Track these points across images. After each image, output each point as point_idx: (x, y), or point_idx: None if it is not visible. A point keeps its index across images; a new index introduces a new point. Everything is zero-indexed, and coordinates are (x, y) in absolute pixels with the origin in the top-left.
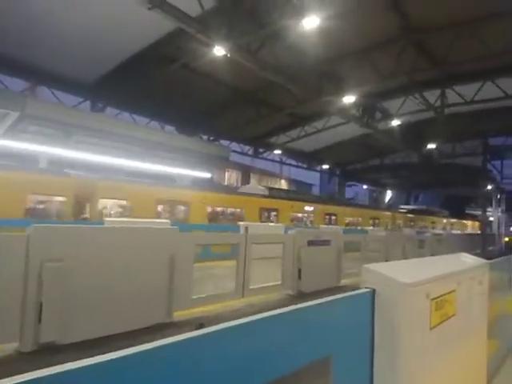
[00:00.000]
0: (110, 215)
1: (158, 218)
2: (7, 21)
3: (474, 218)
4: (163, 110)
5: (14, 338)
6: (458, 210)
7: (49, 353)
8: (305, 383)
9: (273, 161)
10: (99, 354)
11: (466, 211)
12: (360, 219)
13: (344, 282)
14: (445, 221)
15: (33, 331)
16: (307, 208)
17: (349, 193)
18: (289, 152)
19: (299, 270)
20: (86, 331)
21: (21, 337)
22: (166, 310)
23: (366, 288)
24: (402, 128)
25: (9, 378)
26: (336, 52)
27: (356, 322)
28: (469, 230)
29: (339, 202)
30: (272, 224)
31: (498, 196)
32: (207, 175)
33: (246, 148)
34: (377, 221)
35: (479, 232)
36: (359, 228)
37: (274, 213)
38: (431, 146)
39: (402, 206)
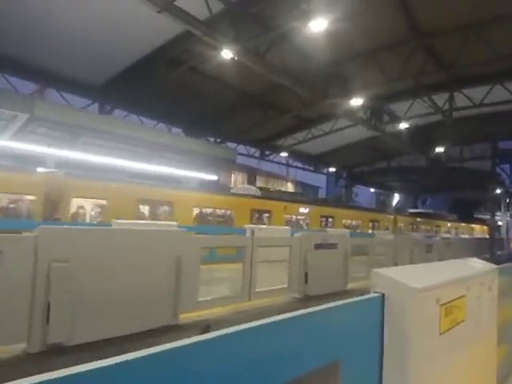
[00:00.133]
0: (86, 216)
1: (140, 219)
2: (17, 23)
3: (482, 222)
4: (171, 113)
5: (22, 338)
6: (466, 214)
7: (56, 354)
8: None
9: (279, 163)
10: (106, 356)
11: (475, 215)
12: (359, 222)
13: (351, 285)
14: (449, 224)
15: (40, 332)
16: (302, 210)
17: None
18: (295, 154)
19: (306, 274)
20: (92, 332)
21: (28, 337)
22: (172, 312)
23: (375, 292)
24: (409, 131)
25: (19, 381)
26: (343, 54)
27: (365, 327)
28: (477, 235)
29: (336, 203)
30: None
31: (507, 200)
32: (214, 177)
33: (253, 150)
34: (376, 224)
35: (488, 236)
36: (358, 231)
37: (266, 214)
38: (439, 149)
39: (410, 210)
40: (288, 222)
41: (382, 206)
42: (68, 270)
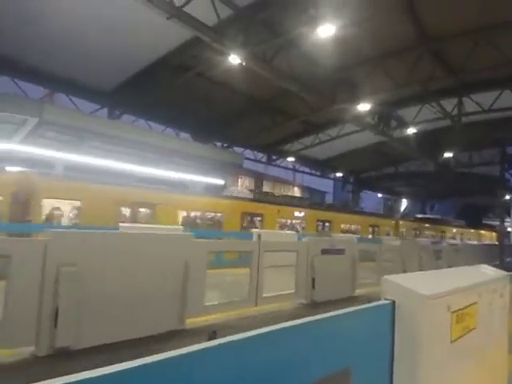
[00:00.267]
0: (59, 217)
1: (118, 222)
2: (28, 30)
3: (491, 228)
4: (179, 118)
5: (31, 342)
6: (474, 220)
7: (63, 358)
8: None
9: (286, 168)
10: (112, 361)
11: (484, 221)
12: (358, 227)
13: (358, 292)
14: (455, 230)
15: (48, 336)
16: (297, 213)
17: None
18: (302, 159)
19: (313, 279)
20: (99, 337)
21: (37, 341)
22: (178, 316)
23: (385, 300)
24: (418, 136)
25: None
26: (351, 60)
27: (376, 334)
28: (485, 241)
29: (334, 207)
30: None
31: None
32: (221, 182)
33: (260, 155)
34: (377, 229)
35: (497, 243)
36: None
37: (258, 218)
38: (448, 154)
39: (418, 216)
40: (282, 227)
41: (390, 211)
42: (76, 275)
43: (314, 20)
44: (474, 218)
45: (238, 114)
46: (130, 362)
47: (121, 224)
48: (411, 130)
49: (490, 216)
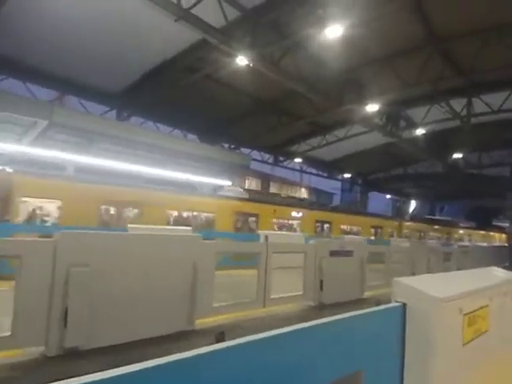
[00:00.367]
0: (36, 217)
1: (102, 222)
2: (38, 34)
3: (501, 230)
4: (186, 119)
5: (40, 342)
6: (484, 222)
7: (73, 358)
8: None
9: (293, 169)
10: (121, 361)
11: (494, 223)
12: (360, 228)
13: (367, 294)
14: (461, 232)
15: (58, 336)
16: (294, 214)
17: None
18: (309, 160)
19: (321, 281)
20: (108, 337)
21: (46, 341)
22: (187, 317)
23: (396, 302)
24: (426, 137)
25: None
26: (359, 60)
27: (387, 337)
28: (495, 243)
29: (334, 208)
30: (294, 233)
31: None
32: (228, 183)
33: (267, 156)
34: (379, 230)
35: (506, 244)
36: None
37: (253, 218)
38: (457, 155)
39: (424, 217)
40: (278, 228)
41: (398, 213)
42: (86, 275)
43: (322, 20)
44: (483, 220)
45: (244, 115)
46: (137, 365)
47: (129, 225)
48: (420, 131)
49: (500, 218)
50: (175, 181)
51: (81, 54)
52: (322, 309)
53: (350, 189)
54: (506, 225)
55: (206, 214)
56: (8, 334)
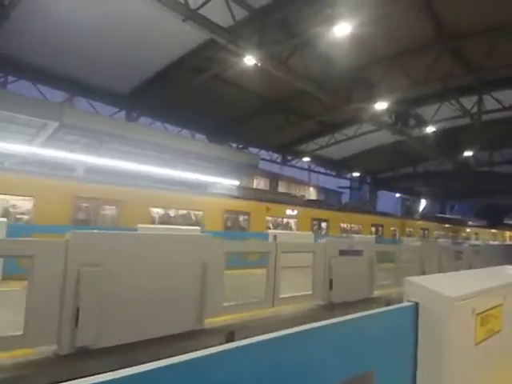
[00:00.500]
0: (10, 215)
1: (75, 220)
2: (47, 36)
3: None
4: (194, 119)
5: (53, 340)
6: (495, 220)
7: (84, 357)
8: None
9: (301, 168)
10: (132, 360)
11: (505, 221)
12: (360, 226)
13: (377, 293)
14: (469, 230)
15: (70, 335)
16: (289, 212)
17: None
18: (318, 160)
19: (330, 280)
20: (119, 336)
21: (58, 340)
22: (197, 316)
23: (408, 301)
24: (436, 135)
25: None
26: (367, 59)
27: (399, 336)
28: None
29: (332, 205)
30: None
31: None
32: (236, 183)
33: (275, 156)
34: (380, 229)
35: None
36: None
37: (244, 217)
38: (468, 153)
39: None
40: (276, 227)
41: (408, 211)
42: (97, 275)
43: (331, 19)
44: (494, 218)
45: (252, 114)
46: (150, 364)
47: (139, 225)
48: (430, 129)
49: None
50: (184, 181)
51: (89, 56)
52: (331, 308)
53: (359, 188)
54: None
55: (193, 213)
56: (20, 333)
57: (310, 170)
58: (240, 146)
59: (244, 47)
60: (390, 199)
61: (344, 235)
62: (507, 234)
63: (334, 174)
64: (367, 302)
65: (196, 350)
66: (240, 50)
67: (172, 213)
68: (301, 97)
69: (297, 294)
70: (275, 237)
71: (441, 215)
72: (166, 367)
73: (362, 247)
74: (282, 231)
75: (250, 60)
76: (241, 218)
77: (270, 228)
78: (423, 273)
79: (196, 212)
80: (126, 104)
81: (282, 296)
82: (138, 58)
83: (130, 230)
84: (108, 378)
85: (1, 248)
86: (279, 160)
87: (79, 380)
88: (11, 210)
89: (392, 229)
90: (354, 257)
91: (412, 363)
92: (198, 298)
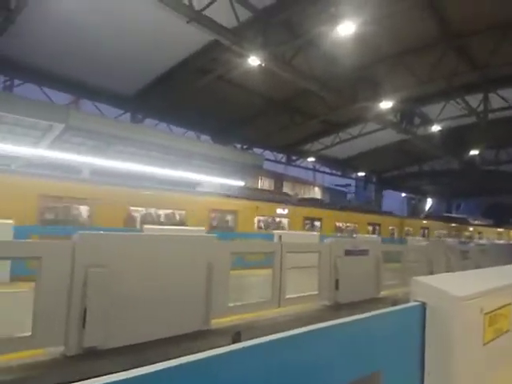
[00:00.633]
0: None
1: (41, 221)
2: (53, 38)
3: None
4: (199, 120)
5: (60, 341)
6: (502, 219)
7: (92, 358)
8: None
9: (306, 168)
10: (139, 361)
11: None
12: (356, 226)
13: (383, 293)
14: (471, 229)
15: (77, 336)
16: (280, 211)
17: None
18: (322, 159)
19: (336, 281)
20: (126, 337)
21: (66, 341)
22: (203, 317)
23: (415, 301)
24: (442, 133)
25: None
26: (371, 58)
27: (406, 337)
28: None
29: (325, 204)
30: (308, 233)
31: None
32: (241, 183)
33: (279, 156)
34: (378, 227)
35: None
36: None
37: (231, 216)
38: (474, 152)
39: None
40: (268, 226)
41: (414, 211)
42: (104, 276)
43: (335, 18)
44: (501, 217)
45: (257, 115)
46: (159, 364)
47: (145, 226)
48: (436, 128)
49: None
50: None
51: (94, 58)
52: (338, 308)
53: (365, 187)
54: None
55: (177, 212)
56: (28, 334)
57: (314, 169)
58: (244, 147)
59: (248, 48)
60: (395, 199)
61: (338, 235)
62: None
63: (339, 173)
64: (374, 302)
65: (204, 351)
66: (244, 50)
67: (154, 212)
68: (305, 96)
69: (303, 294)
70: (280, 237)
71: (447, 214)
72: (176, 367)
73: (367, 247)
74: (286, 231)
75: (254, 61)
76: (228, 218)
77: (261, 228)
78: (431, 273)
79: (179, 211)
80: (131, 106)
81: (288, 296)
82: (143, 60)
83: (105, 230)
84: (120, 378)
85: (8, 249)
86: (284, 160)
87: (91, 380)
88: None
89: (390, 228)
90: (360, 257)
91: (419, 363)
92: (204, 299)
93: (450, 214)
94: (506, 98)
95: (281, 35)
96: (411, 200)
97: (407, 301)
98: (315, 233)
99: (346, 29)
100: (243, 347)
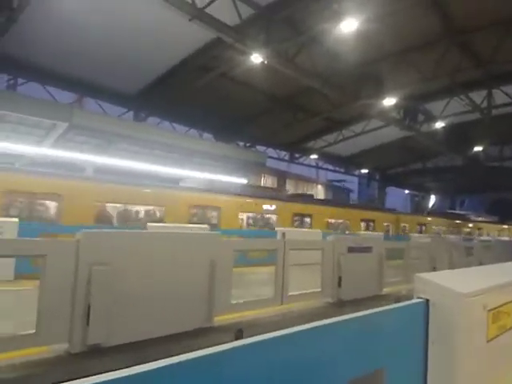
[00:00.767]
0: None
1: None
2: (56, 37)
3: None
4: (202, 118)
5: (64, 339)
6: (506, 216)
7: (96, 355)
8: None
9: (309, 166)
10: (142, 358)
11: None
12: (348, 222)
13: (386, 290)
14: (471, 225)
15: (81, 333)
16: (267, 207)
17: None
18: (326, 157)
19: (339, 278)
20: (130, 334)
21: (70, 338)
22: (206, 314)
23: (419, 298)
24: (446, 130)
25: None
26: (374, 55)
27: (409, 333)
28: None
29: (314, 200)
30: (311, 230)
31: None
32: (243, 181)
33: (283, 154)
34: (372, 224)
35: None
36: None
37: (214, 213)
38: (478, 148)
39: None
40: (248, 223)
41: (418, 208)
42: (107, 273)
43: (338, 15)
44: (505, 213)
45: (260, 112)
46: (159, 361)
47: (149, 224)
48: (439, 124)
49: None
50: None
51: (97, 57)
52: (341, 306)
53: (368, 184)
54: None
55: (156, 208)
56: (32, 331)
57: (317, 167)
58: (247, 145)
59: (251, 45)
60: (399, 195)
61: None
62: None
63: (342, 170)
64: (377, 299)
65: (206, 348)
66: (247, 48)
67: (132, 208)
68: (308, 94)
69: (306, 291)
70: (284, 234)
71: (450, 211)
72: (178, 364)
73: (370, 244)
74: (289, 229)
75: (256, 58)
76: (210, 214)
77: (250, 225)
78: (433, 269)
79: (158, 207)
80: (134, 104)
81: (290, 293)
82: (145, 58)
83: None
84: (123, 375)
85: (13, 248)
86: (287, 158)
87: (95, 376)
88: None
89: (385, 224)
90: (363, 254)
91: (423, 360)
92: (206, 296)
93: (453, 211)
94: (510, 94)
95: (283, 32)
96: (415, 197)
97: (410, 298)
98: (318, 230)
99: (349, 26)
100: (245, 344)
